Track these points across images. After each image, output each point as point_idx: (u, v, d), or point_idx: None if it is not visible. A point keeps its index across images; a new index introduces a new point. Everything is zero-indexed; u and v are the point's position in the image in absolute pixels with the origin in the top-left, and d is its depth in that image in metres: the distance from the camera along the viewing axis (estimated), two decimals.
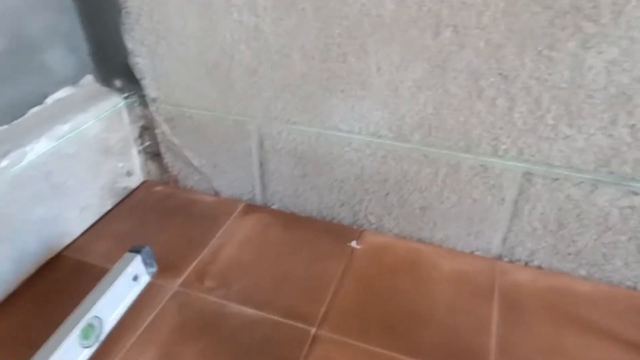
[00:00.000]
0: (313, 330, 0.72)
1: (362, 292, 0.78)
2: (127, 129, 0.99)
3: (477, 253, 0.85)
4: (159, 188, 1.04)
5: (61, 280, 0.82)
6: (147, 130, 1.00)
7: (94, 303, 0.67)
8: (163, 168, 1.04)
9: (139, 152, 1.03)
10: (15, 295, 0.79)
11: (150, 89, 0.92)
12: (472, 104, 0.70)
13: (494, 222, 0.80)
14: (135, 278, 0.74)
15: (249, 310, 0.75)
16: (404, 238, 0.89)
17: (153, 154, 1.03)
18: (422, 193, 0.82)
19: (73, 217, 0.90)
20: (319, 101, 0.80)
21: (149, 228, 0.93)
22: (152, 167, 1.05)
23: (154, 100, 0.94)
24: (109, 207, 0.98)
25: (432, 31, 0.66)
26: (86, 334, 0.66)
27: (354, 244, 0.87)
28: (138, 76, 0.92)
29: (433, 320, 0.74)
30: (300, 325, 0.73)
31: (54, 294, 0.79)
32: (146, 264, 0.76)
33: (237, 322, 0.74)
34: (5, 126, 0.81)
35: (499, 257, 0.83)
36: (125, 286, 0.72)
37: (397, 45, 0.69)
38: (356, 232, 0.90)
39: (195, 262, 0.84)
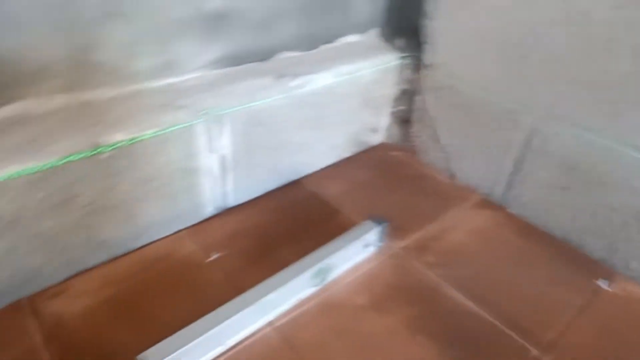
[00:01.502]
0: (534, 352, 0.64)
1: (602, 338, 0.66)
2: (391, 89, 1.01)
3: None
4: (395, 153, 1.05)
5: (295, 204, 0.89)
6: (406, 94, 1.01)
7: (328, 253, 0.70)
8: (406, 135, 1.04)
9: (391, 113, 1.05)
10: (257, 201, 0.89)
11: (429, 54, 0.92)
12: None
13: None
14: (366, 245, 0.76)
15: (466, 302, 0.70)
16: None
17: (402, 120, 1.04)
18: None
19: (321, 151, 0.96)
20: (629, 110, 0.68)
21: (382, 185, 0.94)
22: (396, 131, 1.06)
23: (428, 66, 0.93)
24: (348, 154, 1.02)
25: None
26: (317, 274, 0.69)
27: (603, 283, 0.74)
28: (421, 39, 0.92)
29: None
30: (520, 340, 0.65)
31: (283, 214, 0.86)
32: (379, 237, 0.77)
33: (451, 307, 0.69)
34: (301, 53, 0.90)
35: None
36: (356, 249, 0.74)
37: None
38: (607, 272, 0.77)
39: (419, 233, 0.82)
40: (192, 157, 0.75)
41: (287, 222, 0.84)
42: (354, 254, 0.75)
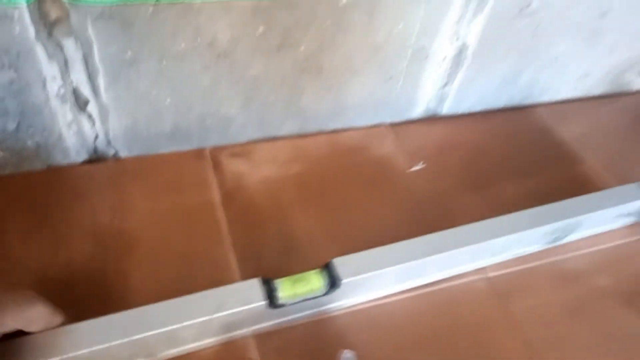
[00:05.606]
0: None
1: None
2: None
3: None
4: None
5: (522, 133, 0.69)
6: None
7: (571, 211, 0.51)
8: None
9: None
10: (475, 116, 0.71)
11: None
12: None
13: None
14: (623, 215, 0.55)
15: None
16: None
17: None
18: None
19: (571, 76, 0.73)
20: None
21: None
22: None
23: None
24: (599, 92, 0.78)
25: None
26: (552, 232, 0.52)
27: None
28: None
29: None
30: None
31: (506, 141, 0.68)
32: None
33: None
34: None
35: None
36: (608, 215, 0.54)
37: None
38: None
39: None
40: (431, 36, 0.58)
41: (510, 153, 0.66)
42: (604, 221, 0.55)
